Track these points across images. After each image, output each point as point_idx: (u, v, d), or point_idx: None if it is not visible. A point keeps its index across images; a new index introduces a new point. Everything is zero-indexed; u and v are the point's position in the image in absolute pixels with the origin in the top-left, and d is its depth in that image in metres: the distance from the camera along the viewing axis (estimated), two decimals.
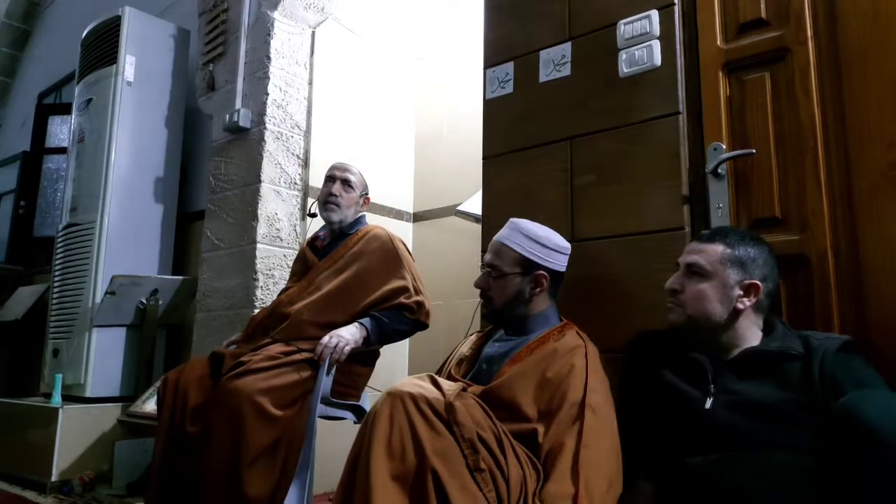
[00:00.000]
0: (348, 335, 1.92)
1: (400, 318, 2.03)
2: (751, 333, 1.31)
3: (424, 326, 2.09)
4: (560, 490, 1.21)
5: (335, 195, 2.17)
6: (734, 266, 1.30)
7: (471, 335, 1.76)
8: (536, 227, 1.57)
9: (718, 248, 1.32)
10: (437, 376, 1.32)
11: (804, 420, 1.16)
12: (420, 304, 2.05)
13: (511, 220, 1.60)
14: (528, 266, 1.52)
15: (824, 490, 1.03)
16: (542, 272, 1.52)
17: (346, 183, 2.20)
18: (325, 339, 1.90)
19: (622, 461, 1.32)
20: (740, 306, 1.29)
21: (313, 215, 2.43)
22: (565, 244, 1.58)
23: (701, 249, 1.34)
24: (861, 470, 0.95)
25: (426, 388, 1.23)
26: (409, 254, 2.18)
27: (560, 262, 1.56)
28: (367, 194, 2.29)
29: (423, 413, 1.17)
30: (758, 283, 1.29)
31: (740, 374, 1.27)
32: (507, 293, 1.53)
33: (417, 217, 3.51)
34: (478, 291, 1.97)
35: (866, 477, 0.95)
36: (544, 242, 1.54)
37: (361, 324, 1.98)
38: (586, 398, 1.32)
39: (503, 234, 1.58)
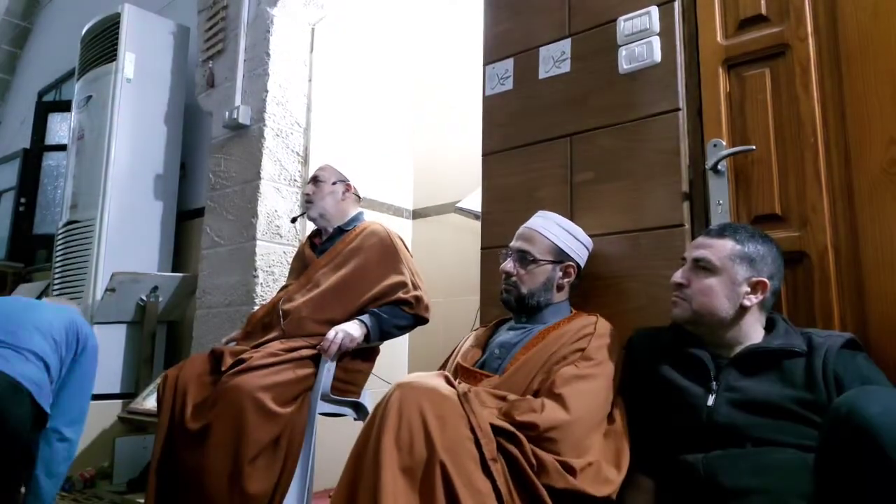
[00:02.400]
0: (350, 331, 1.93)
1: (399, 313, 2.04)
2: (754, 331, 1.31)
3: (424, 321, 2.11)
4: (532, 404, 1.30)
5: (307, 195, 2.27)
6: (743, 263, 1.29)
7: (476, 329, 1.76)
8: (567, 220, 1.65)
9: (728, 244, 1.31)
10: (448, 374, 1.34)
11: (807, 417, 1.16)
12: (418, 299, 2.06)
13: (541, 211, 1.67)
14: (560, 256, 1.58)
15: (824, 487, 1.03)
16: (571, 263, 1.59)
17: (315, 180, 2.27)
18: (331, 334, 1.91)
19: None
20: (747, 303, 1.29)
21: (294, 220, 2.57)
22: (589, 240, 1.67)
23: (710, 244, 1.33)
24: (861, 467, 0.95)
25: (437, 383, 1.25)
26: (407, 249, 2.19)
27: (584, 257, 1.65)
28: (345, 181, 2.28)
29: (434, 406, 1.18)
30: (765, 280, 1.29)
31: (743, 372, 1.26)
32: (537, 280, 1.56)
33: (417, 214, 3.51)
34: (477, 289, 1.99)
35: (866, 474, 0.94)
36: (576, 235, 1.63)
37: (361, 321, 1.98)
38: (586, 351, 1.40)
39: (536, 223, 1.63)
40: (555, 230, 1.60)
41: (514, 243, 1.62)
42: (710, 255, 1.31)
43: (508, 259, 1.60)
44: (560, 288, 1.58)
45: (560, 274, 1.58)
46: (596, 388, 1.35)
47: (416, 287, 2.08)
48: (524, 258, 1.57)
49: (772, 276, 1.30)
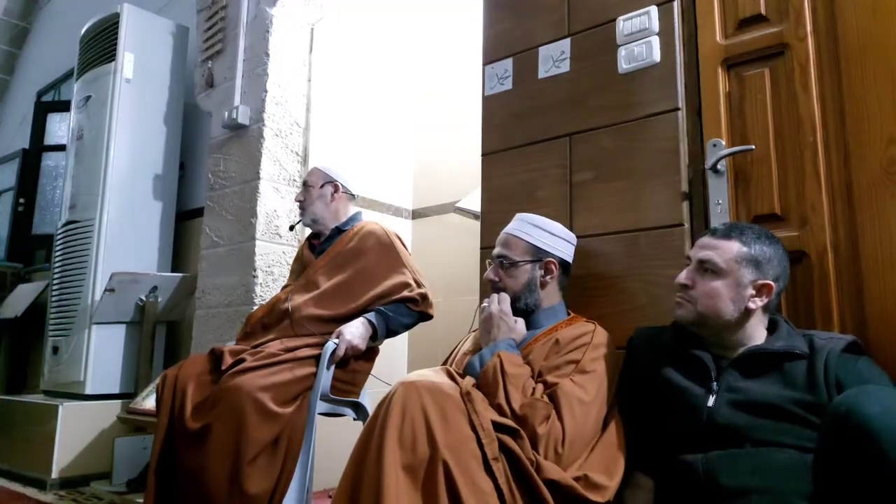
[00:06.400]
0: (356, 335, 1.94)
1: (404, 310, 2.06)
2: (757, 332, 1.31)
3: (429, 317, 2.12)
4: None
5: (298, 201, 2.27)
6: (749, 265, 1.28)
7: (475, 331, 1.76)
8: (542, 218, 1.63)
9: (734, 246, 1.29)
10: (452, 370, 1.34)
11: (807, 419, 1.16)
12: (424, 296, 2.08)
13: (518, 214, 1.66)
14: (537, 253, 1.57)
15: (823, 486, 1.03)
16: (551, 259, 1.57)
17: (304, 185, 2.27)
18: (343, 343, 1.91)
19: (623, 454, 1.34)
20: (752, 306, 1.28)
21: (292, 228, 2.61)
22: (571, 235, 1.65)
23: (716, 246, 1.31)
24: (860, 466, 0.95)
25: (441, 380, 1.25)
26: (405, 246, 2.20)
27: (567, 252, 1.62)
28: (332, 182, 2.26)
29: (437, 405, 1.18)
30: (771, 283, 1.28)
31: (744, 373, 1.26)
32: (519, 282, 1.56)
33: (416, 214, 3.51)
34: (477, 289, 1.99)
35: (865, 474, 0.94)
36: (551, 230, 1.61)
37: (367, 319, 1.99)
38: (580, 363, 1.39)
39: (511, 227, 1.63)
40: (529, 230, 1.59)
41: (495, 250, 1.62)
42: (716, 256, 1.29)
43: (491, 267, 1.61)
44: (545, 286, 1.57)
45: (541, 272, 1.57)
46: (588, 410, 1.34)
47: (419, 285, 2.09)
48: (503, 263, 1.58)
49: (777, 278, 1.29)
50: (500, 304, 1.53)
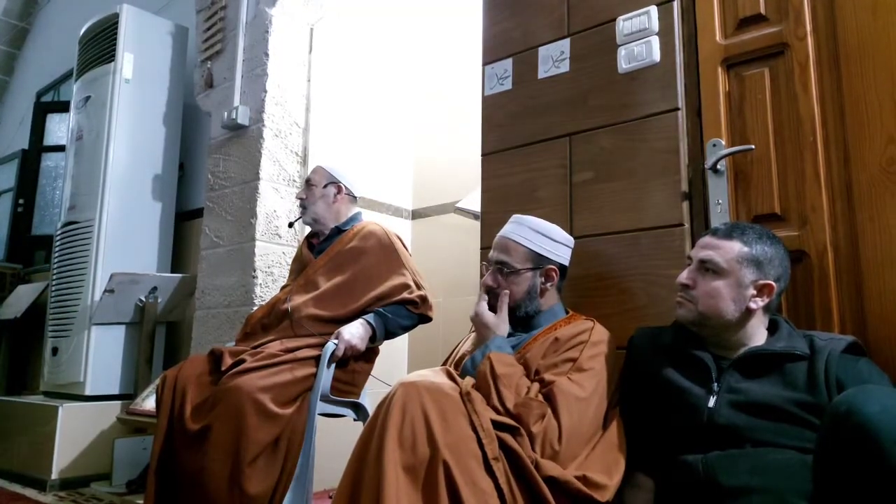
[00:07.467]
0: (355, 336, 1.93)
1: (404, 312, 2.06)
2: (758, 333, 1.31)
3: (429, 319, 2.12)
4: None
5: (300, 198, 2.26)
6: (750, 265, 1.28)
7: (473, 331, 1.76)
8: (541, 222, 1.60)
9: (735, 246, 1.29)
10: (451, 370, 1.34)
11: (807, 420, 1.16)
12: (424, 298, 2.08)
13: (515, 216, 1.63)
14: (538, 261, 1.55)
15: (823, 486, 1.03)
16: (552, 266, 1.55)
17: (308, 183, 2.26)
18: (342, 343, 1.91)
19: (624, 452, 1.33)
20: (753, 306, 1.28)
21: (291, 225, 2.62)
22: (569, 237, 1.63)
23: (717, 245, 1.31)
24: (859, 466, 0.95)
25: (441, 381, 1.25)
26: (405, 247, 2.20)
27: (566, 256, 1.61)
28: (336, 182, 2.26)
29: (437, 405, 1.18)
30: (772, 283, 1.28)
31: (744, 373, 1.26)
32: (520, 289, 1.54)
33: (416, 214, 3.51)
34: (477, 289, 1.98)
35: (864, 473, 0.94)
36: (551, 236, 1.58)
37: (366, 321, 1.99)
38: (578, 361, 1.38)
39: (509, 231, 1.59)
40: (529, 235, 1.56)
41: (492, 254, 1.59)
42: (717, 256, 1.29)
43: (489, 272, 1.58)
44: (544, 293, 1.56)
45: (542, 279, 1.55)
46: (585, 406, 1.34)
47: (419, 287, 2.09)
48: (503, 269, 1.55)
49: (778, 278, 1.29)
50: (477, 306, 1.53)
